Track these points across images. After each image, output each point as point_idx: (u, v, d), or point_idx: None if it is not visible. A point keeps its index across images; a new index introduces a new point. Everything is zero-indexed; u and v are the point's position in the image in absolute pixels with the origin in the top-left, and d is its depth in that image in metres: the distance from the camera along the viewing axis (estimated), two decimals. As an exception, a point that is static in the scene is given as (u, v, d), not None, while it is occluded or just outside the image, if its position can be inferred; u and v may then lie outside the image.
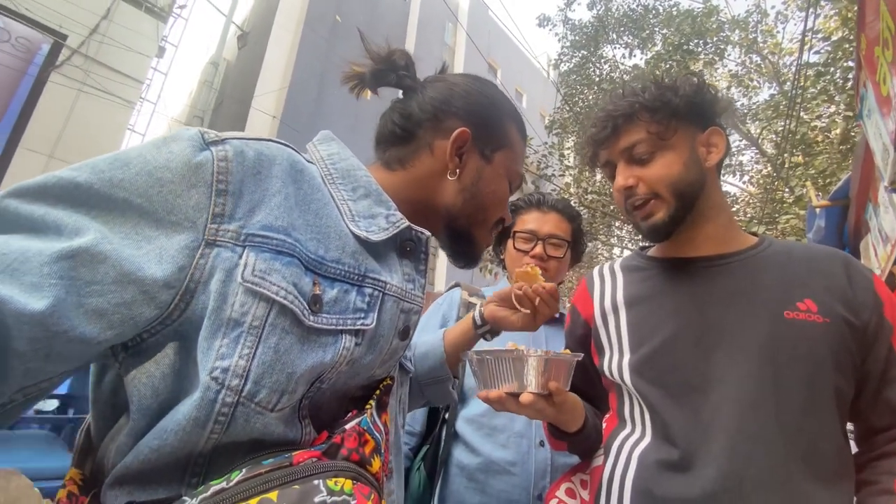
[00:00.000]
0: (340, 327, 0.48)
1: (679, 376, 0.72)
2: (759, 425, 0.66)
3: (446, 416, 1.19)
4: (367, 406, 0.51)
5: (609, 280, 0.90)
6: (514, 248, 1.28)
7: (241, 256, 0.43)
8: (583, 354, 0.70)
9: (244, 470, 0.40)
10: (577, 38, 7.79)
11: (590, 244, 7.65)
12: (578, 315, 0.91)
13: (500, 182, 0.66)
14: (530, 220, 1.30)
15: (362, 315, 0.50)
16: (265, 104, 9.36)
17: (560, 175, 7.52)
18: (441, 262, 12.92)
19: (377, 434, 0.49)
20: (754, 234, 0.83)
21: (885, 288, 0.74)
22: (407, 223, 0.57)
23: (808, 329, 0.69)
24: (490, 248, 1.41)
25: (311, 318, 0.46)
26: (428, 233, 0.60)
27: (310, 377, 0.46)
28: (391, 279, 0.55)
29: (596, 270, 0.94)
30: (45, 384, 0.39)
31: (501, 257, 1.40)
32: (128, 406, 0.43)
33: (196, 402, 0.40)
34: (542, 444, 1.11)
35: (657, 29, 7.21)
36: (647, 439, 0.74)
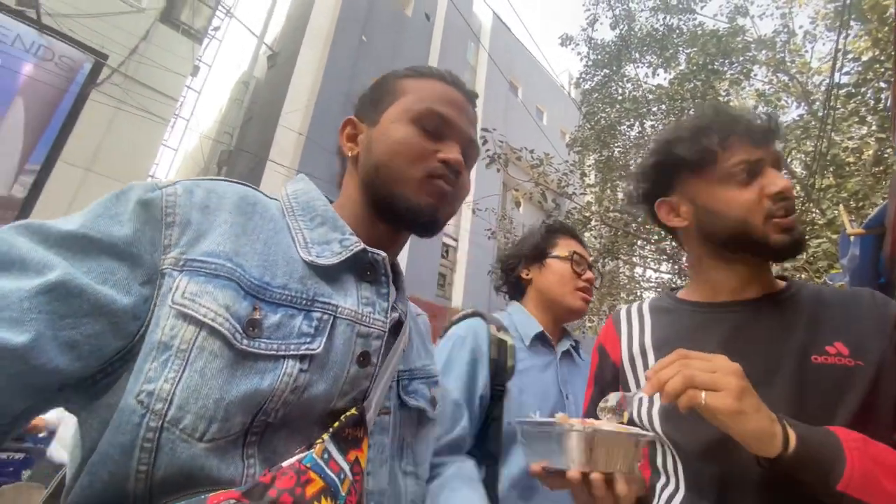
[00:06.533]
0: (282, 353, 0.46)
1: (709, 425, 0.68)
2: None
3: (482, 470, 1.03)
4: (319, 441, 0.46)
5: (637, 322, 0.87)
6: (573, 269, 1.25)
7: (174, 280, 0.44)
8: (652, 434, 0.61)
9: None
10: (599, 56, 7.81)
11: (611, 263, 7.53)
12: (607, 356, 0.89)
13: (395, 129, 0.61)
14: (576, 247, 1.29)
15: (308, 339, 0.48)
16: (292, 121, 9.63)
17: (581, 193, 7.46)
18: (459, 276, 12.90)
19: (329, 473, 0.44)
20: (783, 278, 0.81)
21: None
22: (362, 246, 0.56)
23: (836, 373, 0.66)
24: (502, 269, 1.33)
25: (245, 341, 0.44)
26: (384, 254, 0.58)
27: (247, 406, 0.43)
28: (344, 302, 0.53)
29: (624, 310, 0.92)
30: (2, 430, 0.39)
31: (525, 276, 1.29)
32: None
33: (121, 427, 0.40)
34: None
35: (681, 48, 7.17)
36: (682, 492, 0.71)
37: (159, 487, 0.40)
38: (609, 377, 0.87)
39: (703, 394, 0.55)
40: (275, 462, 0.45)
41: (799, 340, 0.70)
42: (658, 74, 7.57)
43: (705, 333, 0.77)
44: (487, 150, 5.90)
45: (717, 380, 0.56)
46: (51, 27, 6.10)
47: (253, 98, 12.16)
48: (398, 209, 0.59)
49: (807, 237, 5.17)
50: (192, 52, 7.67)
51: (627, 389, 0.82)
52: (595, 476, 0.56)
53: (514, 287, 1.33)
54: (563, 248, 1.28)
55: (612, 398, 0.66)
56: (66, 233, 0.42)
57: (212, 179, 0.53)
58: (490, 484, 0.99)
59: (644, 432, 0.60)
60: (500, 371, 1.08)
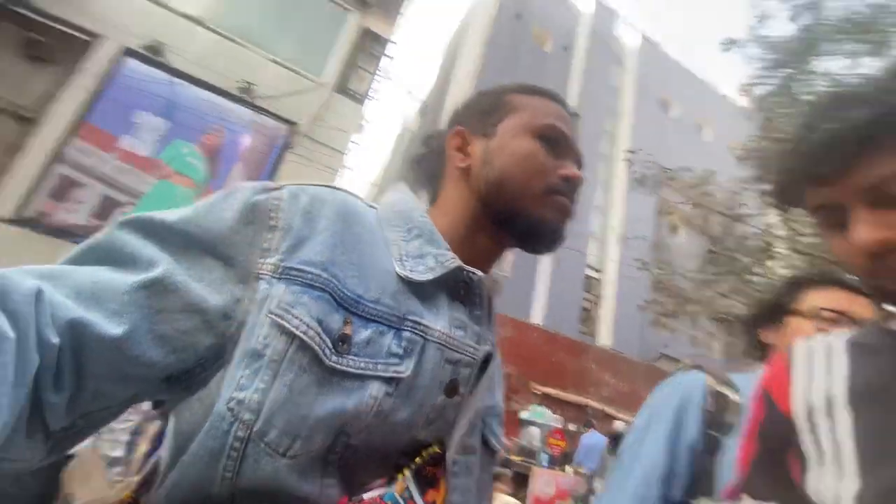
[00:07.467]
0: (369, 372, 0.45)
1: None
2: None
3: None
4: (399, 475, 0.45)
5: (822, 360, 0.59)
6: (818, 329, 1.00)
7: (272, 288, 0.44)
8: None
9: None
10: (777, 56, 6.70)
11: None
12: (774, 406, 0.61)
13: (515, 142, 0.59)
14: (835, 300, 1.02)
15: (397, 361, 0.47)
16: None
17: (759, 214, 6.32)
18: (606, 311, 11.94)
19: None
20: None
21: None
22: (458, 263, 0.53)
23: None
24: (747, 331, 1.14)
25: (334, 358, 0.43)
26: (480, 273, 0.55)
27: (330, 425, 0.43)
28: (435, 324, 0.50)
29: (804, 345, 0.63)
30: (107, 412, 0.42)
31: (763, 340, 1.10)
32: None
33: (211, 432, 0.41)
34: None
35: (894, 30, 5.72)
36: None
37: (241, 493, 0.41)
38: (781, 432, 0.59)
39: None
40: (352, 483, 0.45)
41: None
42: (862, 65, 6.14)
43: None
44: (634, 171, 5.46)
45: None
46: (260, 107, 7.84)
47: (408, 148, 13.56)
48: (519, 223, 0.58)
49: None
50: (358, 112, 8.97)
51: (803, 455, 0.54)
52: None
53: (758, 353, 1.15)
54: (809, 301, 1.04)
55: None
56: (174, 230, 0.44)
57: (316, 185, 0.53)
58: None
59: None
60: (716, 425, 0.97)
